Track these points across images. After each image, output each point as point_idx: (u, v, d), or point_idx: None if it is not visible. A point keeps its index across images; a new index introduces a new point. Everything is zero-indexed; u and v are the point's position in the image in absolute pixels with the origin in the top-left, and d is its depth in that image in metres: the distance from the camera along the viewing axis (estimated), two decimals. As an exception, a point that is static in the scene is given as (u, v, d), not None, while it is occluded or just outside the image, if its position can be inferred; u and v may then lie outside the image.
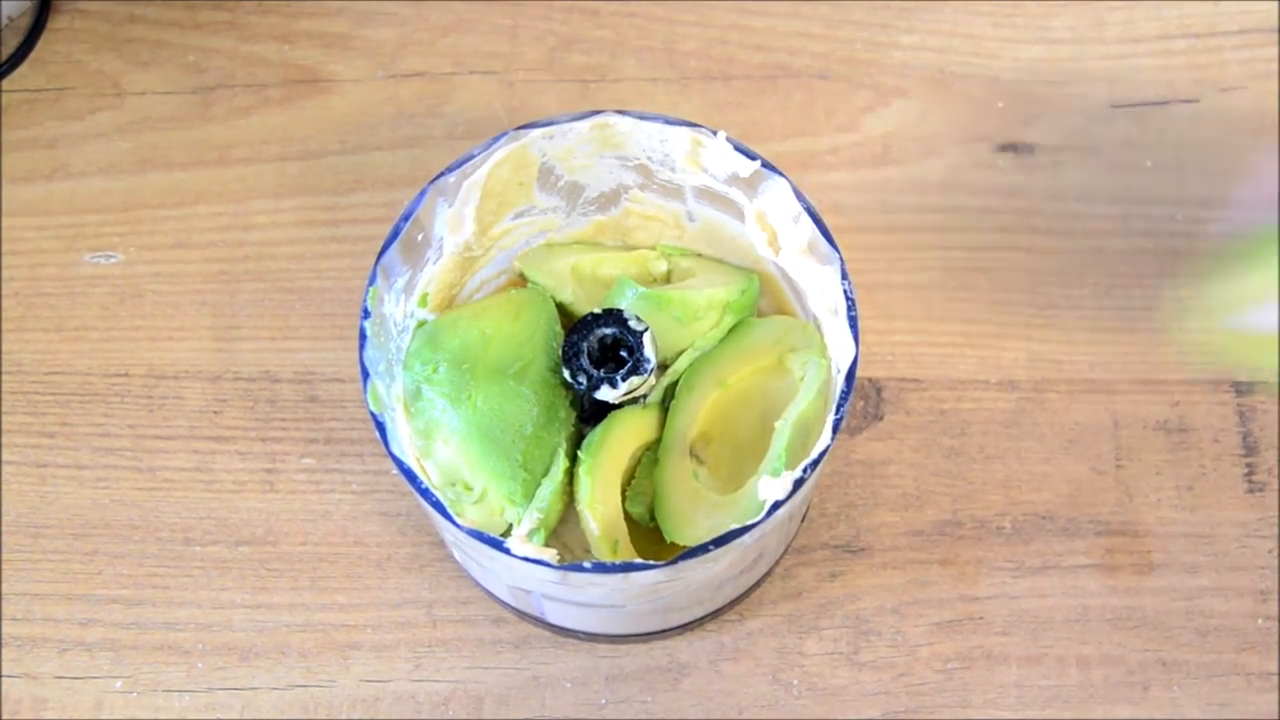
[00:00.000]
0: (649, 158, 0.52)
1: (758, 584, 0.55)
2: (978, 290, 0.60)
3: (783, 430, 0.49)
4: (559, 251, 0.54)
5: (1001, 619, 0.55)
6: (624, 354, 0.50)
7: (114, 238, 0.61)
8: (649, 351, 0.49)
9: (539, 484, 0.49)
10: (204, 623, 0.55)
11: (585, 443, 0.50)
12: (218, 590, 0.56)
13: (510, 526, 0.49)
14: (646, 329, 0.49)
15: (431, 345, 0.50)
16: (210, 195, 0.62)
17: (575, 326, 0.50)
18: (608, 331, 0.50)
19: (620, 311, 0.50)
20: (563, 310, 0.53)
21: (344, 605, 0.55)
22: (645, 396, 0.51)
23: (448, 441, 0.49)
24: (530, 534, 0.49)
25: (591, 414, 0.51)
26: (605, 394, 0.49)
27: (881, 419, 0.58)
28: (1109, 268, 0.60)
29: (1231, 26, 0.65)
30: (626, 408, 0.51)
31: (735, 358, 0.52)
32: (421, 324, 0.51)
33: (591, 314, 0.50)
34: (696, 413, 0.51)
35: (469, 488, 0.49)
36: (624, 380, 0.49)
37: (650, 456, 0.51)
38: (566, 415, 0.51)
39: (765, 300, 0.54)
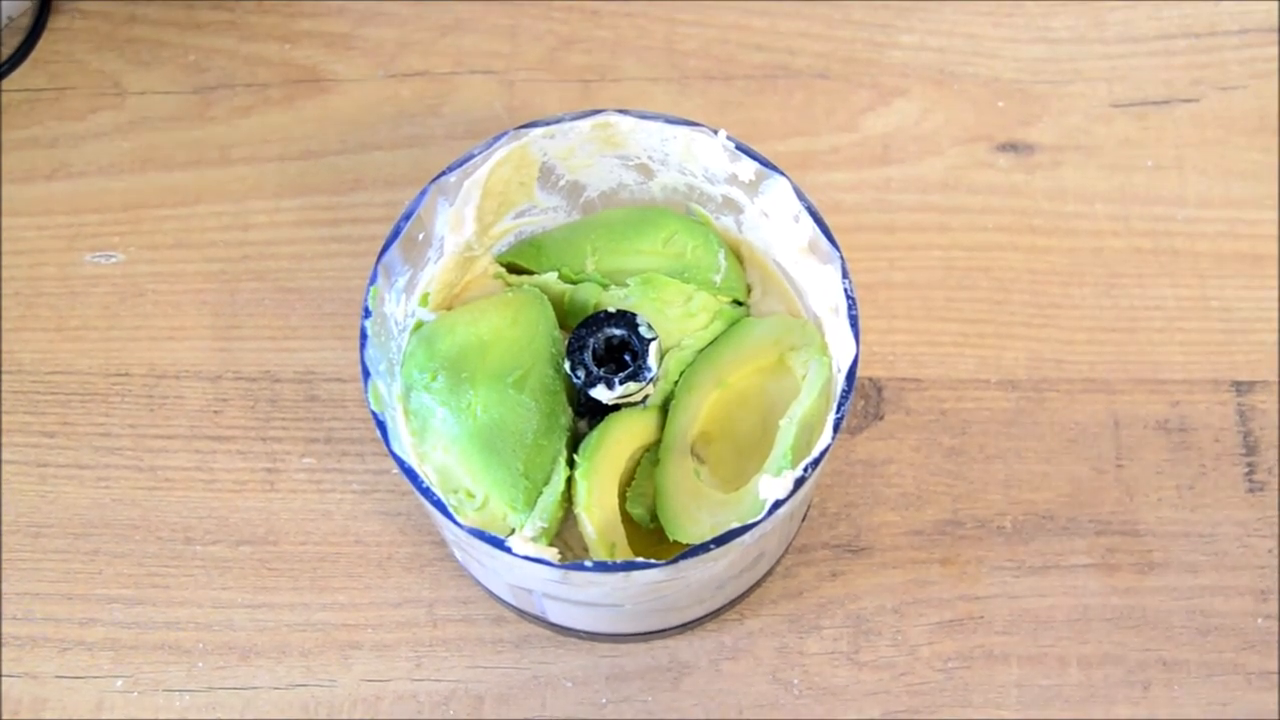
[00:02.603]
0: (650, 157, 0.52)
1: (758, 583, 0.55)
2: (978, 290, 0.60)
3: (788, 429, 0.49)
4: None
5: (1002, 618, 0.55)
6: (627, 358, 0.50)
7: (114, 237, 0.61)
8: (652, 361, 0.49)
9: (540, 491, 0.49)
10: (205, 622, 0.55)
11: (581, 446, 0.50)
12: (218, 590, 0.56)
13: (513, 531, 0.49)
14: (655, 339, 0.49)
15: (428, 349, 0.49)
16: (210, 195, 0.62)
17: (586, 321, 0.50)
18: (617, 333, 0.50)
19: (634, 316, 0.50)
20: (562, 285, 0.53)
21: (345, 604, 0.55)
22: (645, 400, 0.51)
23: (448, 450, 0.48)
24: (533, 541, 0.48)
25: (587, 409, 0.51)
26: (600, 393, 0.49)
27: (882, 418, 0.58)
28: (1109, 268, 0.61)
29: (1231, 26, 0.65)
30: (624, 410, 0.51)
31: (735, 357, 0.52)
32: (419, 325, 0.51)
33: (605, 312, 0.50)
34: (697, 412, 0.51)
35: (471, 495, 0.49)
36: (620, 384, 0.49)
37: (650, 457, 0.51)
38: (567, 421, 0.51)
39: (769, 299, 0.54)
